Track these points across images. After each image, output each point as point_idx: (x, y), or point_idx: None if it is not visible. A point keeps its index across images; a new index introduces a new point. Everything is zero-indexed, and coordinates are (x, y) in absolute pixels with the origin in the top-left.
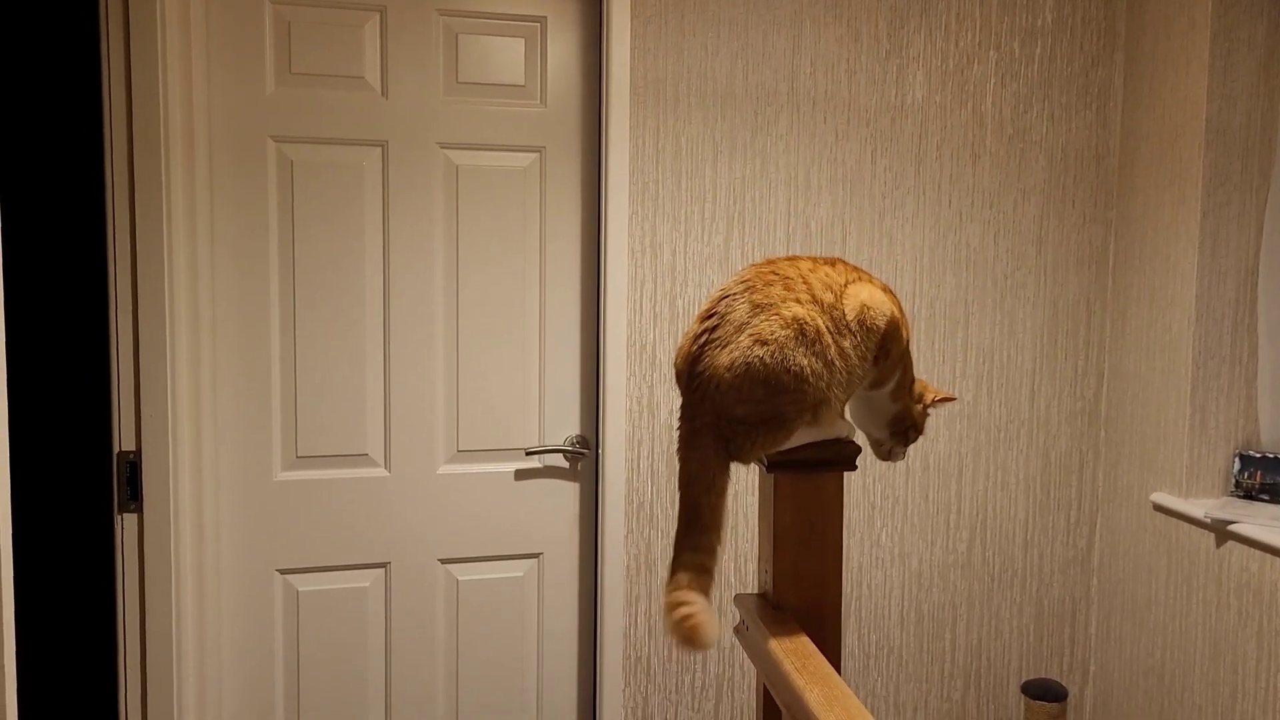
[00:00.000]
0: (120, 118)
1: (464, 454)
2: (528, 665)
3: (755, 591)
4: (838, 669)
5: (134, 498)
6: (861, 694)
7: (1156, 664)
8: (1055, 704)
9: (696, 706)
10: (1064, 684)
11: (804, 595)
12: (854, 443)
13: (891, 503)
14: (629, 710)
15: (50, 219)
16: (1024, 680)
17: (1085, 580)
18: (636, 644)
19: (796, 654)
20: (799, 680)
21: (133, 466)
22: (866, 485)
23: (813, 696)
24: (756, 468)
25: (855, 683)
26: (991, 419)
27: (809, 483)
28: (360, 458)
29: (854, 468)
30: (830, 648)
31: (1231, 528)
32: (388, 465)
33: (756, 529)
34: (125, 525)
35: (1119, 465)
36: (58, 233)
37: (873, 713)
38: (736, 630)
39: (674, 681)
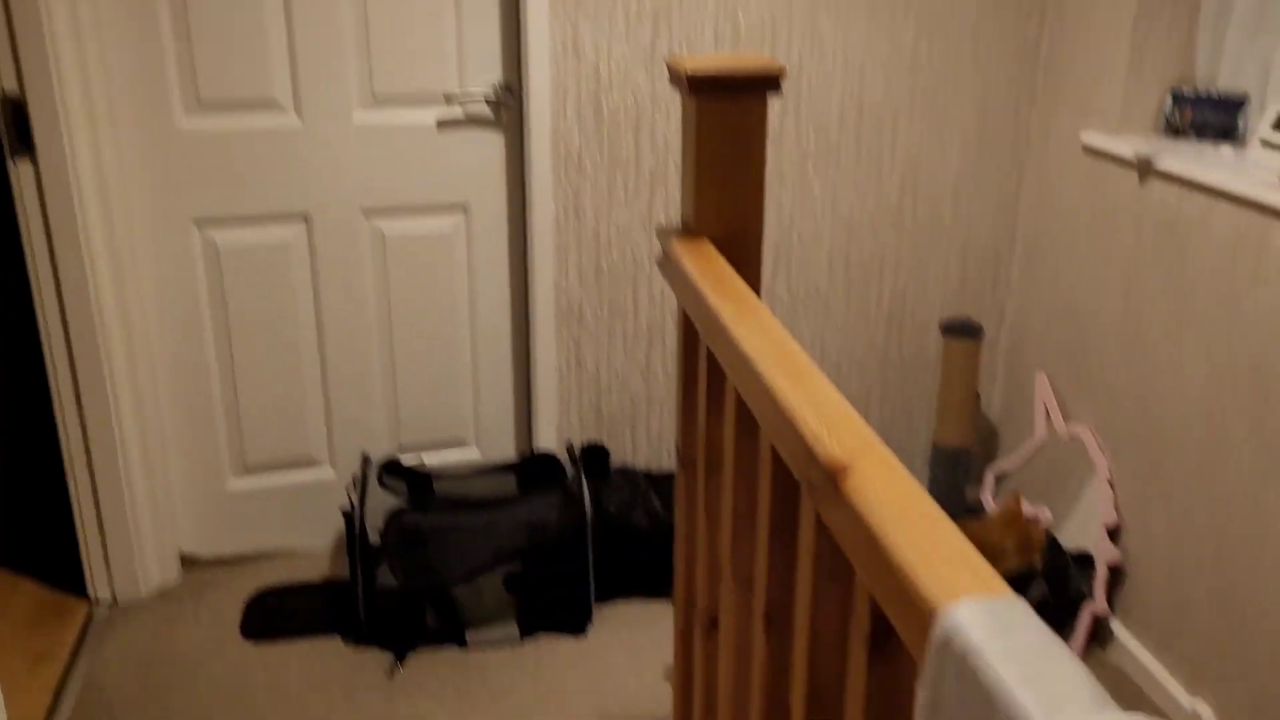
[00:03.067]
0: None
1: (380, 101)
2: (460, 318)
3: (678, 223)
4: (756, 289)
5: (25, 143)
6: None
7: (1071, 302)
8: (970, 341)
9: (628, 353)
10: (982, 324)
11: (725, 225)
12: (779, 64)
13: (824, 150)
14: (563, 359)
15: None
16: (943, 320)
17: (1011, 225)
18: (568, 293)
19: (713, 276)
20: (714, 299)
21: (18, 109)
22: (800, 132)
23: (727, 313)
24: (679, 97)
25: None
26: (930, 66)
27: (732, 106)
28: (267, 102)
29: (778, 90)
30: (751, 278)
31: (1156, 164)
32: (299, 112)
33: (680, 162)
34: (21, 171)
35: (1054, 109)
36: None
37: None
38: (659, 262)
39: (606, 330)
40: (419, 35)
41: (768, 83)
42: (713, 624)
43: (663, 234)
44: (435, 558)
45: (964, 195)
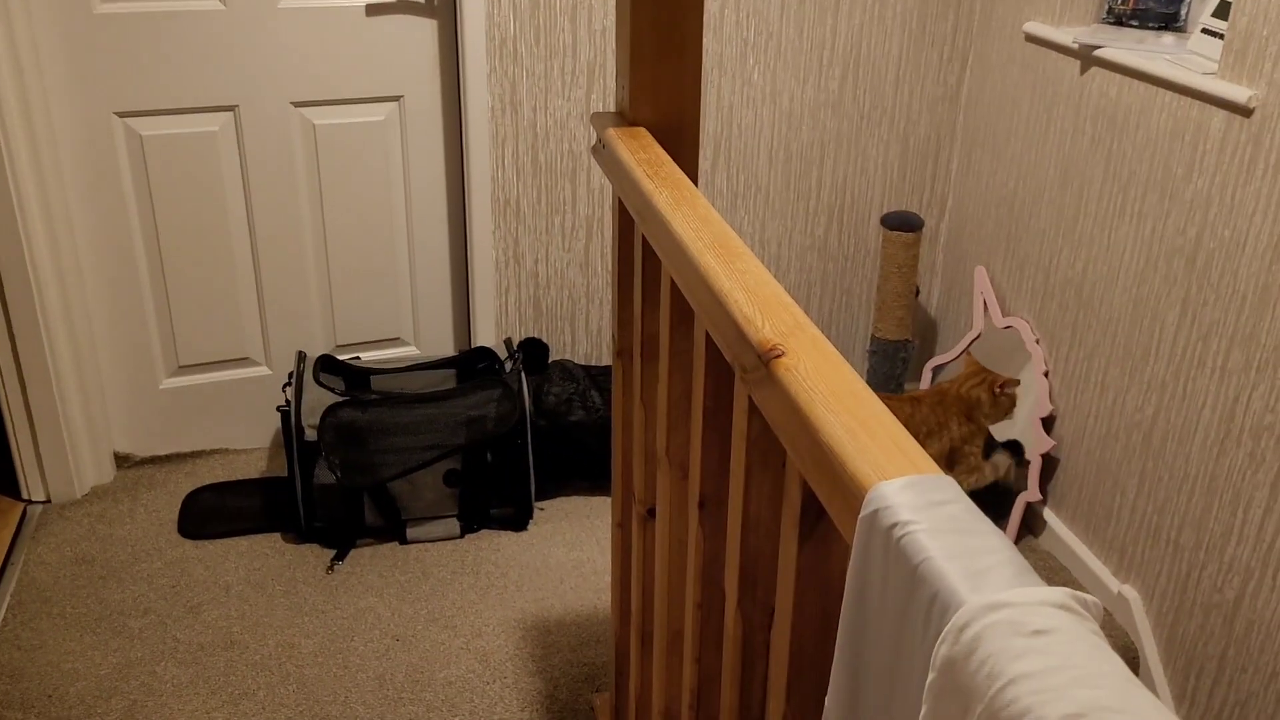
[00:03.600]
0: None
1: None
2: (396, 211)
3: (613, 110)
4: (694, 180)
5: None
6: None
7: (1009, 194)
8: (910, 234)
9: (567, 246)
10: (922, 217)
11: (661, 111)
12: None
13: (765, 39)
14: (500, 251)
15: None
16: (884, 213)
17: (952, 117)
18: (505, 186)
19: (649, 163)
20: (649, 185)
21: None
22: (740, 20)
23: (661, 199)
24: None
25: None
26: None
27: None
28: None
29: None
30: (687, 164)
31: (1097, 53)
32: None
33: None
34: None
35: None
36: None
37: None
38: (594, 150)
39: (544, 223)
40: None
41: None
42: (650, 514)
43: (598, 119)
44: (372, 454)
45: (906, 84)
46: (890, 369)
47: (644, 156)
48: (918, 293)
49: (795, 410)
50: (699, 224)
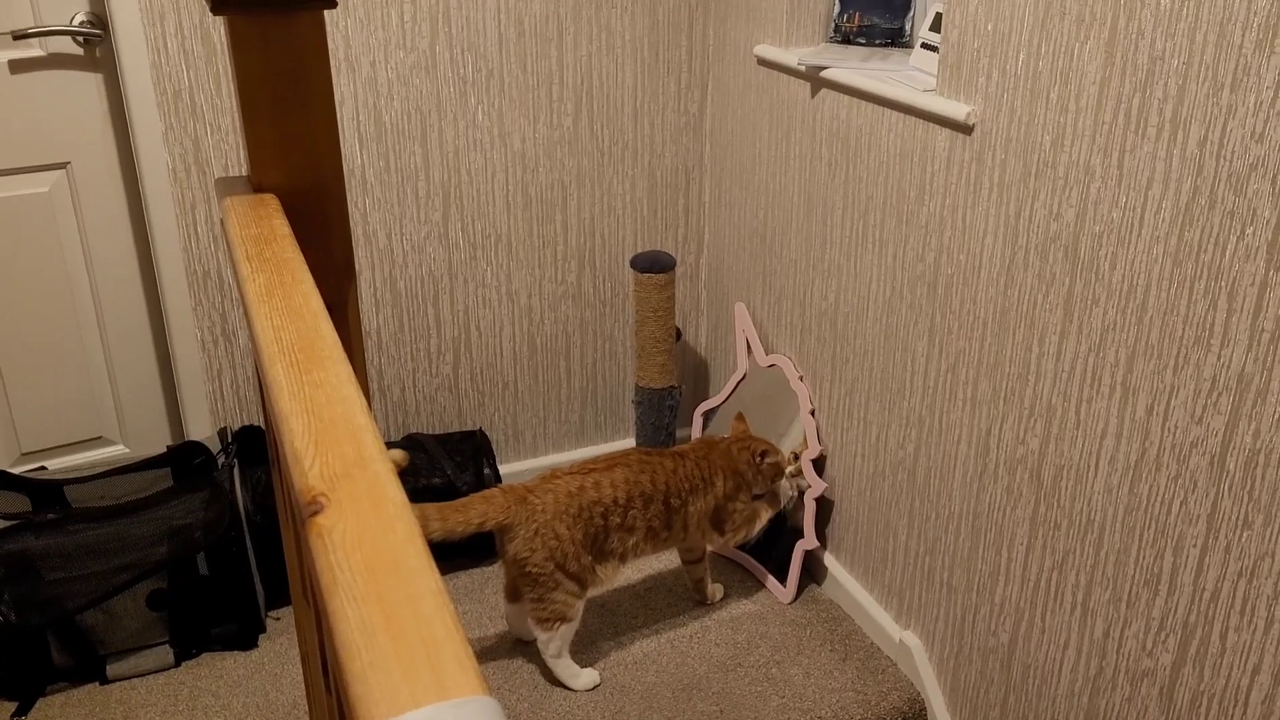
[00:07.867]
0: None
1: None
2: (79, 292)
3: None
4: (348, 257)
5: None
6: (471, 285)
7: (760, 225)
8: (662, 274)
9: None
10: (677, 255)
11: (292, 174)
12: None
13: (485, 76)
14: (205, 329)
15: None
16: (634, 254)
17: (698, 147)
18: (200, 256)
19: (256, 240)
20: (245, 269)
21: None
22: (455, 57)
23: (254, 286)
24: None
25: (464, 274)
26: None
27: (277, 27)
28: None
29: (334, 4)
30: (337, 233)
31: (824, 74)
32: None
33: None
34: None
35: (727, 19)
36: None
37: (484, 302)
38: (223, 224)
39: None
40: None
41: None
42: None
43: (221, 186)
44: (50, 585)
45: (645, 115)
46: (658, 418)
47: (253, 232)
48: (679, 335)
49: (321, 590)
50: (285, 319)
